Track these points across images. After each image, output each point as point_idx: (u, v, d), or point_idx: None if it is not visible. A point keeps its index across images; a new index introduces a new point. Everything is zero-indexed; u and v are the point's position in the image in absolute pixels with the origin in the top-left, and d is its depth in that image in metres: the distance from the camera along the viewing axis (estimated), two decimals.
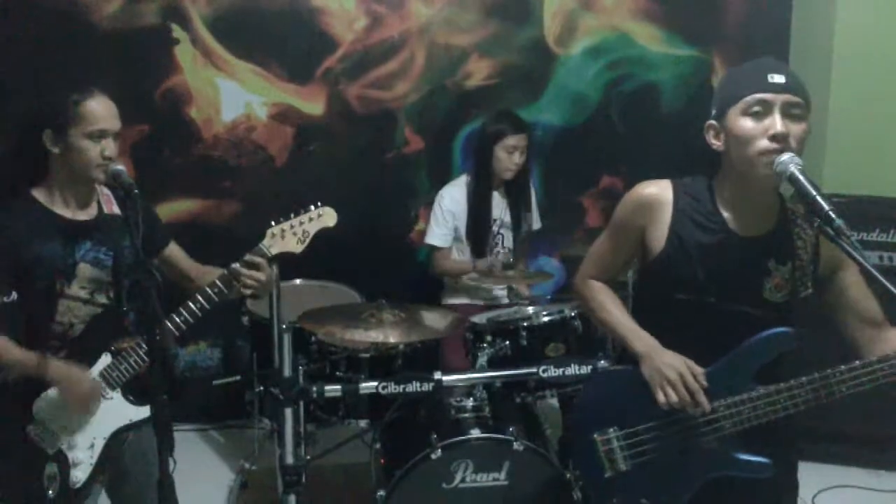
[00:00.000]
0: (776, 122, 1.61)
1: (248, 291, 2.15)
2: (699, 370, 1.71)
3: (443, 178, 3.56)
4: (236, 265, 2.13)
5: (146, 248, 2.21)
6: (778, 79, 1.63)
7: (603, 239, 1.96)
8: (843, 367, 1.64)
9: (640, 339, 1.79)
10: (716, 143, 1.73)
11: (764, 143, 1.61)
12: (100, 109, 2.06)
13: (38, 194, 2.11)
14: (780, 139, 1.60)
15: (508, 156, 3.35)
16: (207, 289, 2.12)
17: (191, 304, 2.11)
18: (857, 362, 1.64)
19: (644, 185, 1.84)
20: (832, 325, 1.79)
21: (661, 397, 1.71)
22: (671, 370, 1.70)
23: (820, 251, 1.74)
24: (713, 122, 1.73)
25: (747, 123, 1.64)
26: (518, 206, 3.51)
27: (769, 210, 1.74)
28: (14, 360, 2.05)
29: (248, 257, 2.14)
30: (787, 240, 1.72)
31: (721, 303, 1.73)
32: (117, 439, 2.15)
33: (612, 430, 1.82)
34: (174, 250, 2.36)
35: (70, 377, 2.06)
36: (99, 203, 2.18)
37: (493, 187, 3.46)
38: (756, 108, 1.63)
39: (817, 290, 1.75)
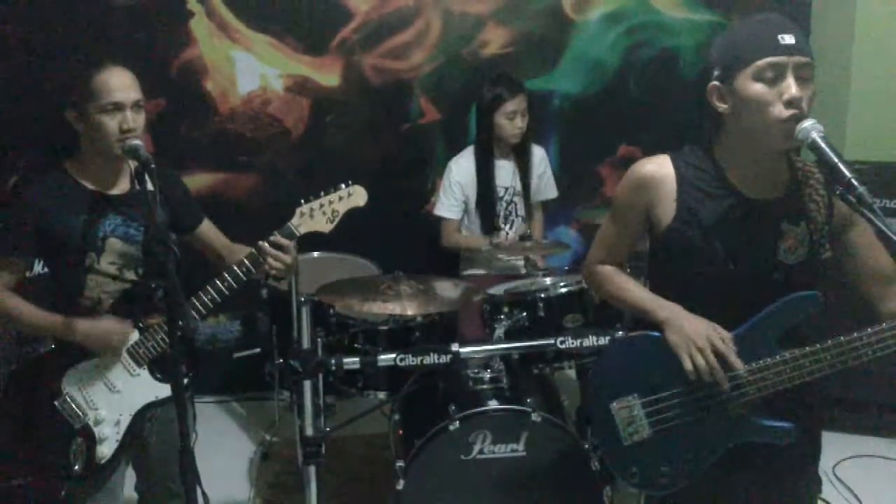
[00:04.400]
0: (791, 87, 1.57)
1: (273, 272, 2.11)
2: (727, 334, 1.68)
3: (458, 149, 3.53)
4: (264, 243, 2.09)
5: (180, 225, 2.24)
6: (789, 40, 1.58)
7: (607, 223, 1.92)
8: (868, 329, 1.61)
9: (663, 308, 1.76)
10: (722, 107, 1.68)
11: (780, 110, 1.57)
12: (112, 81, 2.01)
13: (71, 168, 2.10)
14: (797, 104, 1.56)
15: (510, 122, 3.30)
16: (235, 268, 2.09)
17: (218, 282, 2.09)
18: (884, 325, 1.61)
19: (641, 164, 1.80)
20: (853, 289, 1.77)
21: (688, 364, 1.67)
22: (700, 336, 1.67)
23: (834, 210, 1.71)
24: (717, 83, 1.67)
25: (760, 88, 1.59)
26: (525, 172, 3.48)
27: (778, 171, 1.71)
28: (39, 322, 2.07)
29: (274, 238, 2.09)
30: (799, 200, 1.69)
31: (738, 269, 1.70)
32: (144, 416, 2.17)
33: (631, 397, 1.80)
34: (207, 228, 2.34)
35: (95, 332, 2.06)
36: (131, 178, 2.15)
37: (501, 155, 3.43)
38: (768, 73, 1.58)
39: (832, 248, 1.72)
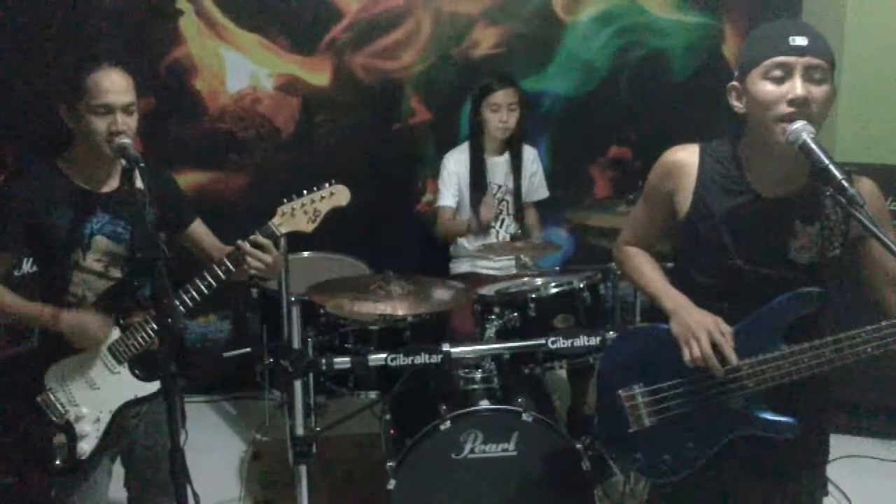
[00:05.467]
0: (796, 87, 1.59)
1: (253, 272, 2.10)
2: (727, 328, 1.71)
3: (449, 149, 3.54)
4: (243, 243, 2.07)
5: (170, 223, 2.23)
6: (800, 41, 1.60)
7: (638, 205, 1.99)
8: (868, 327, 1.63)
9: (671, 297, 1.81)
10: (737, 105, 1.71)
11: (783, 108, 1.59)
12: (104, 83, 1.99)
13: (62, 164, 2.10)
14: (800, 104, 1.58)
15: (494, 114, 3.29)
16: (216, 266, 2.08)
17: (198, 281, 2.08)
18: (884, 322, 1.62)
19: (672, 151, 1.85)
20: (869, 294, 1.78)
21: (686, 355, 1.72)
22: (700, 327, 1.71)
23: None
24: (735, 83, 1.71)
25: (767, 87, 1.62)
26: (518, 171, 3.46)
27: (797, 170, 1.71)
28: (25, 312, 2.07)
29: (254, 237, 2.08)
30: (815, 200, 1.70)
31: (748, 265, 1.73)
32: (125, 413, 2.16)
33: (636, 386, 1.85)
34: (198, 228, 2.33)
35: (76, 323, 2.05)
36: (121, 176, 2.15)
37: (493, 153, 3.42)
38: (776, 72, 1.61)
39: (848, 251, 1.73)
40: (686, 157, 1.81)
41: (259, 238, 2.08)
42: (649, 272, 1.92)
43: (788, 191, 1.72)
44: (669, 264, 1.95)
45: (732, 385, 1.73)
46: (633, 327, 1.99)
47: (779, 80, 1.61)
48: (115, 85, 2.00)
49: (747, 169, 1.74)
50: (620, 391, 1.86)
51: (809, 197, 1.70)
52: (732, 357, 1.69)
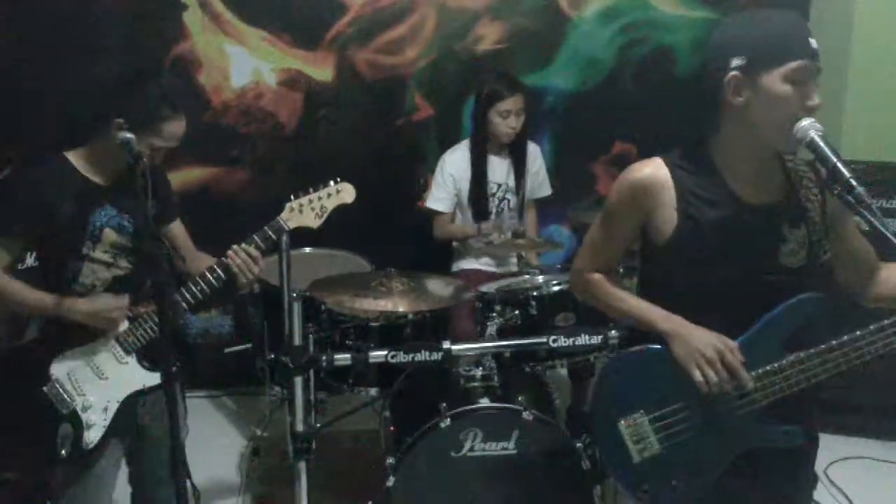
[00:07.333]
0: (815, 96, 1.56)
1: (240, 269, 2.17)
2: (733, 344, 1.64)
3: (451, 145, 3.52)
4: (234, 254, 2.17)
5: (155, 216, 2.25)
6: (814, 44, 1.56)
7: (597, 229, 1.85)
8: (871, 327, 1.60)
9: (666, 319, 1.71)
10: (737, 99, 1.62)
11: (799, 113, 1.55)
12: (178, 132, 2.12)
13: (73, 157, 2.15)
14: (814, 111, 1.56)
15: (503, 120, 3.27)
16: (208, 273, 2.16)
17: (192, 285, 2.15)
18: (886, 322, 1.59)
19: (636, 169, 1.74)
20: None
21: (699, 377, 1.63)
22: (708, 348, 1.62)
23: (826, 208, 1.70)
24: (738, 74, 1.60)
25: (788, 90, 1.56)
26: (520, 170, 3.45)
27: (774, 174, 1.69)
28: (37, 302, 2.10)
29: (245, 246, 2.17)
30: (797, 203, 1.68)
31: (742, 275, 1.66)
32: (132, 403, 2.19)
33: (637, 414, 1.75)
34: (177, 228, 2.40)
35: (95, 309, 2.09)
36: (122, 171, 2.19)
37: (496, 151, 3.41)
38: (799, 76, 1.55)
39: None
40: (655, 172, 1.70)
41: (248, 248, 2.17)
42: (629, 298, 1.81)
43: (771, 195, 1.69)
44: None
45: (741, 401, 1.67)
46: (624, 353, 1.86)
47: (798, 84, 1.55)
48: (180, 133, 2.14)
49: (726, 176, 1.68)
50: (622, 421, 1.77)
51: (792, 200, 1.68)
52: (747, 379, 1.62)
